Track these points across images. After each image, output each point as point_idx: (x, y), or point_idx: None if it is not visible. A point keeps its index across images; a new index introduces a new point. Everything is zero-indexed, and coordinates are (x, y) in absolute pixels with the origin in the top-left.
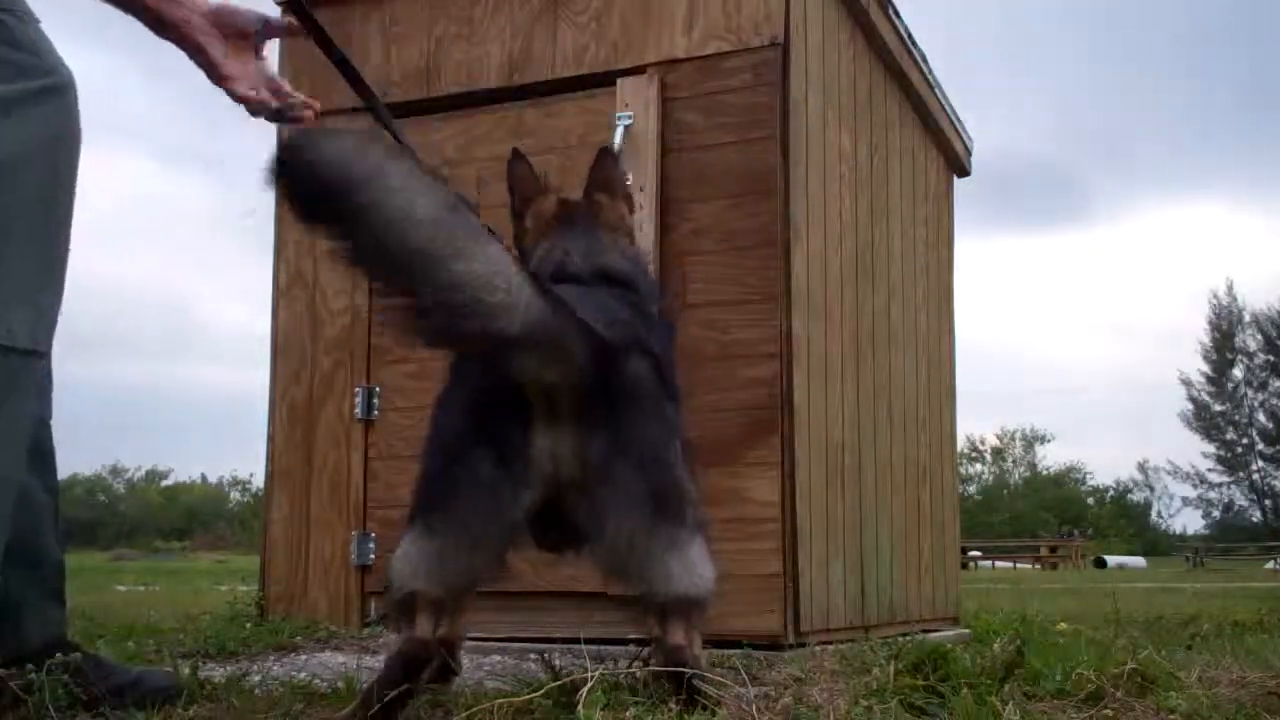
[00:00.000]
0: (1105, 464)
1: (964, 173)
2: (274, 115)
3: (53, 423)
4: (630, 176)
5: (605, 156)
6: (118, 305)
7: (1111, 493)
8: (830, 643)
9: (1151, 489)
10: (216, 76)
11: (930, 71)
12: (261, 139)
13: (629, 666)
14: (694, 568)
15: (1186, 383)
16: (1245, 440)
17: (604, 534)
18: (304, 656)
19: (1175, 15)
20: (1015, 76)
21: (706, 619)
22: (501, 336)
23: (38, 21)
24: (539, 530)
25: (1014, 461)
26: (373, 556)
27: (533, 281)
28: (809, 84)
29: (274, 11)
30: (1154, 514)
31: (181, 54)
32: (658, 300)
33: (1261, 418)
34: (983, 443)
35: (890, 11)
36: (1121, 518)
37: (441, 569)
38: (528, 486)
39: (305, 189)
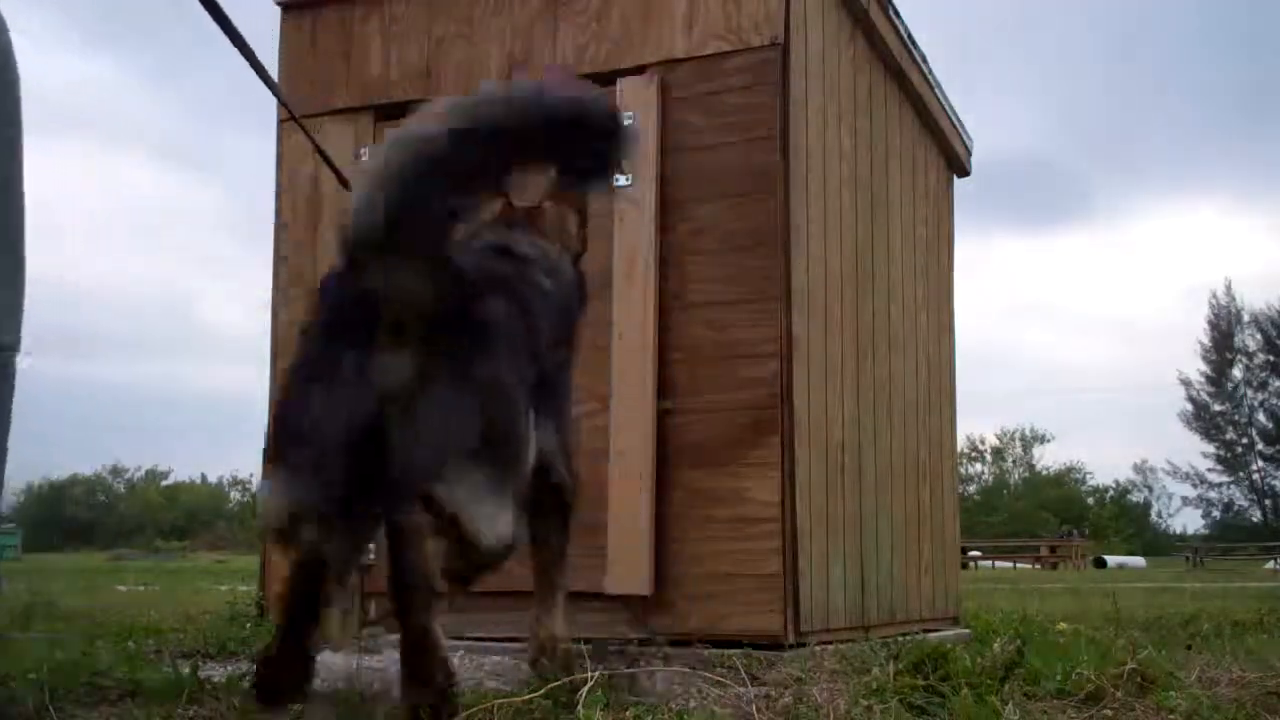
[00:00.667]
0: (1105, 464)
1: (964, 173)
2: None
3: (53, 424)
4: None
5: None
6: (118, 305)
7: (1111, 493)
8: (830, 643)
9: (1150, 489)
10: None
11: (930, 71)
12: (258, 140)
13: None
14: (494, 517)
15: (1186, 383)
16: (1245, 440)
17: (413, 456)
18: None
19: (1176, 15)
20: (1016, 76)
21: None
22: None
23: None
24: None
25: (1014, 461)
26: (372, 556)
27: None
28: (809, 84)
29: (273, 9)
30: (1154, 514)
31: (180, 58)
32: (564, 284)
33: (1261, 418)
34: (983, 443)
35: (890, 12)
36: (1121, 517)
37: (305, 491)
38: (357, 402)
39: None
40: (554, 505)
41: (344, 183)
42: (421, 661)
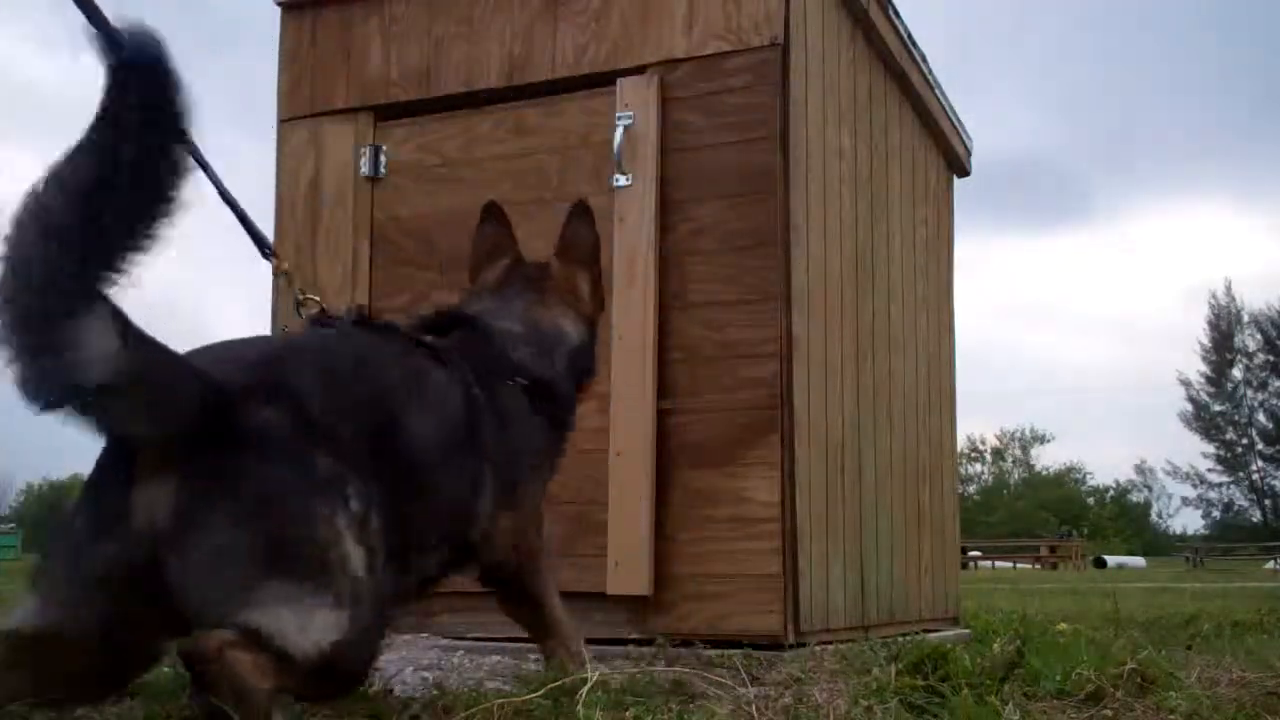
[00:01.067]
0: (1105, 464)
1: (964, 173)
2: None
3: (53, 424)
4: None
5: (576, 215)
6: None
7: (1111, 493)
8: (830, 643)
9: (1149, 489)
10: None
11: (930, 71)
12: (258, 141)
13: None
14: (304, 626)
15: (1185, 383)
16: (1245, 440)
17: (197, 597)
18: None
19: (1176, 14)
20: (1016, 76)
21: (296, 683)
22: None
23: None
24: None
25: (1013, 461)
26: None
27: (121, 330)
28: (809, 84)
29: (273, 10)
30: (1154, 514)
31: (181, 58)
32: (544, 369)
33: (1261, 418)
34: (983, 443)
35: (890, 12)
36: (1121, 518)
37: (30, 620)
38: (115, 540)
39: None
40: (505, 581)
41: (229, 200)
42: None
